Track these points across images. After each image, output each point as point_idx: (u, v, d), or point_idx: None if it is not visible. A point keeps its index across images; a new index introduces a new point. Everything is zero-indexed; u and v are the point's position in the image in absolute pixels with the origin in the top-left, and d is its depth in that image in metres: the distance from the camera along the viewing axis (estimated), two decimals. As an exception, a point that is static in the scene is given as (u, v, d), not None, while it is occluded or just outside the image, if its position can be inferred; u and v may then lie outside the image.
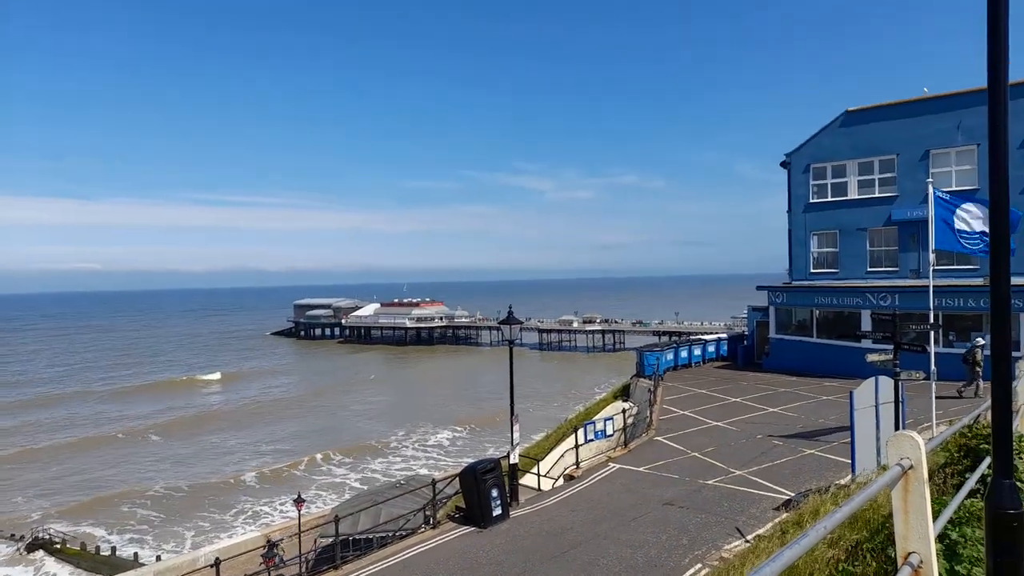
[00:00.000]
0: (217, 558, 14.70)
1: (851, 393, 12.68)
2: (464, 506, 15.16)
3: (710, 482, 15.97)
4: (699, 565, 11.29)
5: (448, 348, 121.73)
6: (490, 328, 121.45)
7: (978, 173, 27.67)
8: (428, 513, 16.58)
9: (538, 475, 20.27)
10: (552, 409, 57.94)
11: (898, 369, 12.96)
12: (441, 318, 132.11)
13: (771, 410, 23.82)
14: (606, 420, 23.57)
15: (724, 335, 41.22)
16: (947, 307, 26.99)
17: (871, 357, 13.72)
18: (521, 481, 17.80)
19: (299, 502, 26.33)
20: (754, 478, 16.03)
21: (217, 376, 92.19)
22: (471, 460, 23.13)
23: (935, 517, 3.71)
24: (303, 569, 20.64)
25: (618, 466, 18.11)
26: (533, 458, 23.27)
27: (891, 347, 13.24)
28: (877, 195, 30.73)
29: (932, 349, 14.50)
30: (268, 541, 23.60)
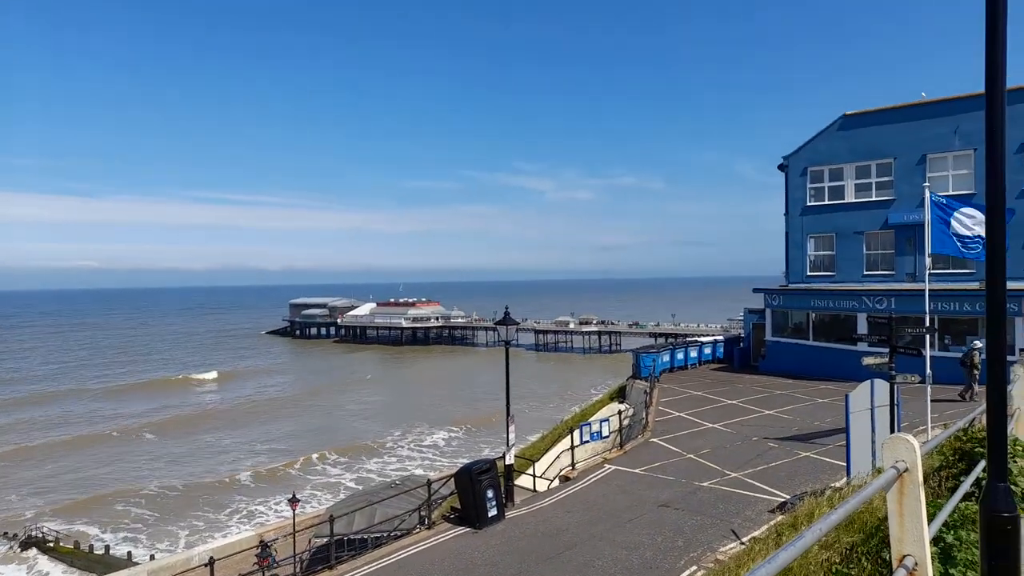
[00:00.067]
0: (211, 557, 14.67)
1: (847, 396, 12.72)
2: (459, 507, 15.16)
3: (706, 484, 15.98)
4: (694, 567, 11.30)
5: (444, 348, 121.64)
6: (486, 329, 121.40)
7: (975, 177, 27.76)
8: (423, 513, 16.56)
9: (534, 476, 20.27)
10: (548, 410, 57.94)
11: (894, 372, 12.99)
12: (437, 318, 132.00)
13: (767, 412, 23.85)
14: (602, 422, 23.56)
15: (720, 337, 41.26)
16: (943, 311, 27.07)
17: (867, 360, 13.75)
18: (516, 482, 17.81)
19: (294, 502, 26.25)
20: (750, 480, 16.05)
21: (213, 375, 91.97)
22: (466, 461, 23.14)
23: (930, 520, 3.72)
24: (298, 569, 20.59)
25: (614, 468, 18.12)
26: (529, 459, 23.27)
27: (887, 350, 13.27)
28: (874, 199, 30.82)
29: (928, 353, 14.54)
30: (261, 541, 23.52)
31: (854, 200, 31.44)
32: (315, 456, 49.46)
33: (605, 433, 22.88)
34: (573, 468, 19.15)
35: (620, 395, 31.57)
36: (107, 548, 33.83)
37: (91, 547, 34.22)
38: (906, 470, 3.40)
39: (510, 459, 16.82)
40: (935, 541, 4.14)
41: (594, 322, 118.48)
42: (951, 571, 4.05)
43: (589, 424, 23.12)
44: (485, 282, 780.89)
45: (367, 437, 55.34)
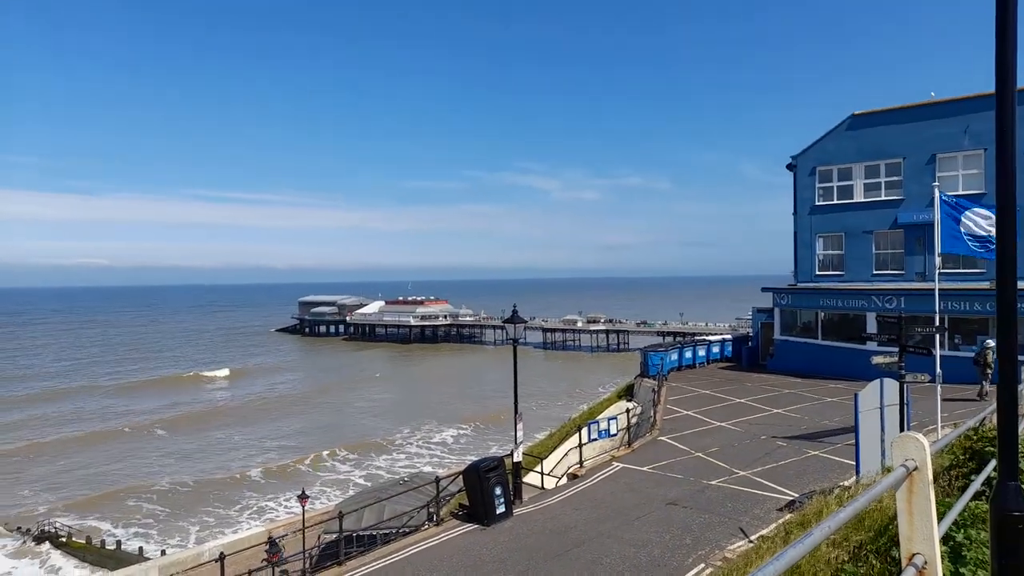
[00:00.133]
0: (222, 553, 14.80)
1: (856, 395, 12.68)
2: (467, 504, 15.21)
3: (714, 482, 15.98)
4: (702, 565, 11.31)
5: (452, 346, 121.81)
6: (494, 327, 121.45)
7: (985, 177, 27.58)
8: (432, 510, 16.63)
9: (541, 473, 20.33)
10: (556, 408, 57.95)
11: (903, 372, 12.95)
12: (445, 316, 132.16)
13: (775, 411, 23.80)
14: (610, 419, 23.60)
15: (729, 336, 41.16)
16: (952, 310, 26.93)
17: (876, 359, 13.71)
18: (524, 479, 17.86)
19: (303, 498, 26.36)
20: (758, 479, 16.04)
21: (224, 373, 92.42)
22: (475, 458, 23.18)
23: (940, 519, 3.73)
24: (307, 565, 20.72)
25: (622, 465, 18.13)
26: (537, 456, 23.33)
27: (896, 350, 13.23)
28: (883, 198, 30.66)
29: (937, 352, 14.48)
30: (270, 538, 23.65)
31: (863, 200, 31.29)
32: (325, 453, 49.67)
33: (613, 431, 22.91)
34: (581, 466, 19.18)
35: (628, 393, 31.57)
36: (119, 543, 34.10)
37: (103, 542, 34.51)
38: (916, 468, 3.42)
39: (518, 456, 16.87)
40: (945, 540, 4.15)
41: (602, 321, 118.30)
42: (961, 570, 4.06)
43: (597, 422, 23.16)
44: (491, 280, 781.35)
45: (376, 434, 55.52)
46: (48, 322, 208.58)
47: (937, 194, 15.22)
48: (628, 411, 25.09)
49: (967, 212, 15.00)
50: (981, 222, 14.75)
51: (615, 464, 18.33)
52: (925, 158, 29.28)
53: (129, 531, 36.76)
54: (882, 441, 12.41)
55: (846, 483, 12.97)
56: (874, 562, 4.65)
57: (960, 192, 26.78)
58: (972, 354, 25.77)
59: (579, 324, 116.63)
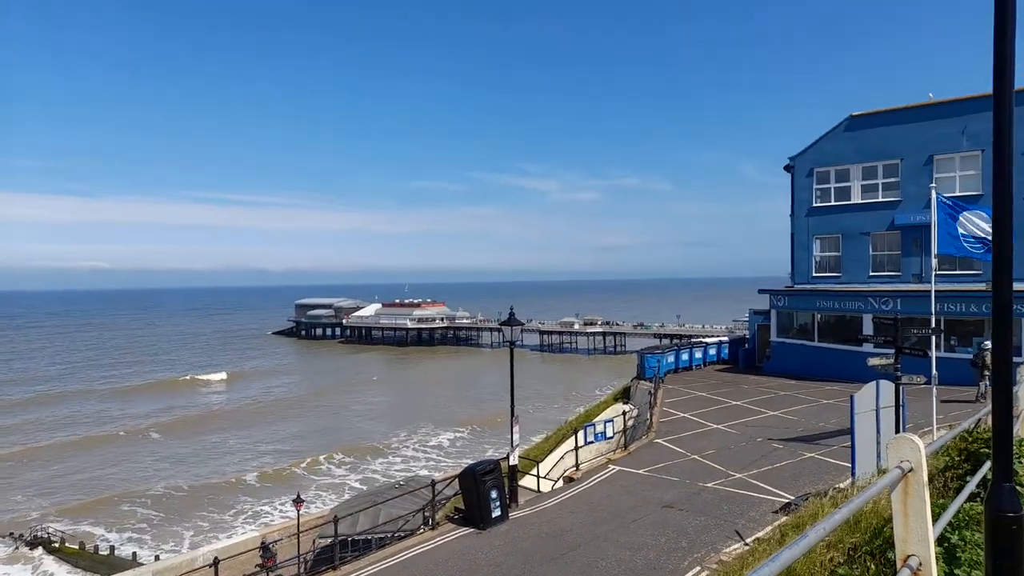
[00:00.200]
0: (216, 558, 14.70)
1: (852, 397, 12.67)
2: (463, 507, 15.16)
3: (710, 485, 15.96)
4: (698, 568, 11.28)
5: (449, 349, 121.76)
6: (491, 329, 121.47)
7: (982, 178, 27.66)
8: (427, 514, 16.57)
9: (538, 477, 20.25)
10: (552, 411, 57.92)
11: (899, 373, 12.95)
12: (442, 319, 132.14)
13: (771, 413, 23.80)
14: (606, 422, 23.55)
15: (725, 338, 41.20)
16: (949, 312, 26.97)
17: (872, 361, 13.71)
18: (521, 483, 17.79)
19: (298, 502, 26.29)
20: (754, 481, 16.02)
21: (220, 376, 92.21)
22: (471, 461, 23.13)
23: (935, 520, 3.71)
24: (302, 569, 20.62)
25: (618, 468, 18.10)
26: (533, 460, 23.25)
27: (892, 351, 13.23)
28: (880, 199, 30.72)
29: (933, 354, 14.49)
30: (263, 543, 23.54)
31: (860, 201, 31.35)
32: (321, 457, 49.57)
33: (609, 434, 22.87)
34: (577, 469, 19.13)
35: (625, 396, 31.53)
36: (112, 548, 33.96)
37: (96, 548, 34.36)
38: (911, 470, 3.40)
39: (514, 460, 16.82)
40: (940, 541, 4.13)
41: (599, 323, 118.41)
42: (955, 571, 4.04)
43: (593, 425, 23.11)
44: (488, 283, 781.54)
45: (372, 438, 55.43)
46: (43, 326, 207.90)
47: (934, 195, 15.26)
48: (624, 414, 25.05)
49: (964, 213, 15.03)
50: (978, 224, 14.78)
51: (611, 467, 18.30)
52: (923, 159, 29.36)
53: (123, 536, 36.62)
54: (878, 443, 12.40)
55: (842, 485, 12.95)
56: (869, 564, 4.63)
57: (958, 193, 26.84)
58: (968, 356, 25.83)
59: (576, 326, 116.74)
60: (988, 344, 23.61)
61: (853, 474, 12.29)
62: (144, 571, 21.34)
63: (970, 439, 6.41)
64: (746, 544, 11.84)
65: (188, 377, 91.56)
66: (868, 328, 28.58)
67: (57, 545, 34.86)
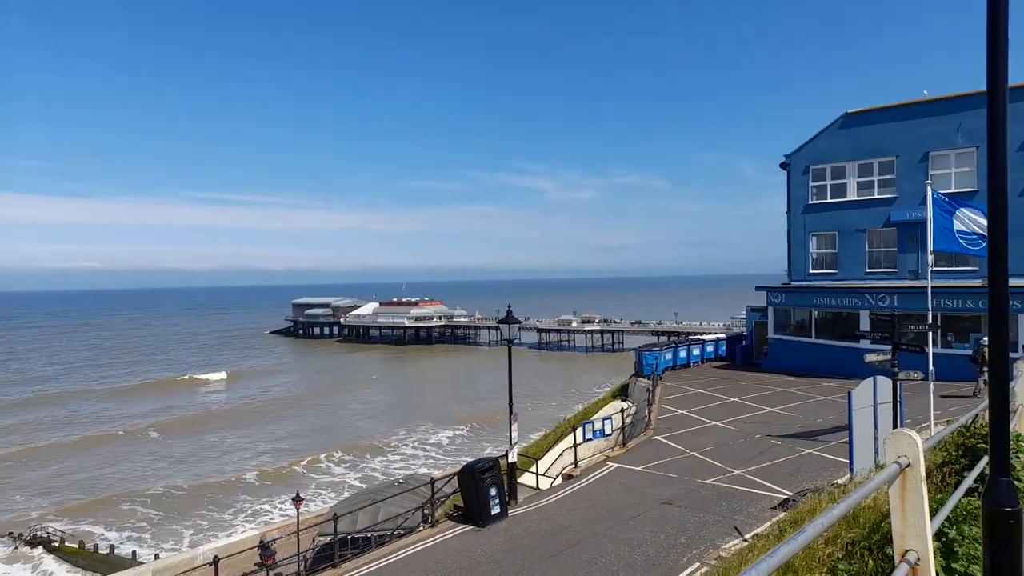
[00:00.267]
0: (216, 556, 14.72)
1: (849, 393, 12.71)
2: (462, 505, 15.19)
3: (708, 481, 16.00)
4: (697, 564, 11.32)
5: (447, 348, 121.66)
6: (489, 328, 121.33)
7: (977, 175, 27.73)
8: (427, 512, 16.60)
9: (536, 474, 20.30)
10: (551, 408, 57.96)
11: (896, 369, 13.00)
12: (440, 317, 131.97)
13: (769, 410, 23.85)
14: (604, 419, 23.59)
15: (723, 335, 41.27)
16: (945, 308, 27.05)
17: (869, 357, 13.76)
18: (519, 480, 17.83)
19: (297, 501, 26.29)
20: (752, 477, 16.07)
21: (218, 375, 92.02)
22: (470, 459, 23.16)
23: (932, 515, 3.74)
24: (301, 568, 20.64)
25: (616, 465, 18.14)
26: (532, 457, 23.32)
27: (889, 347, 13.27)
28: (876, 196, 30.79)
29: (930, 350, 14.54)
30: (261, 542, 23.53)
31: (856, 198, 31.41)
32: (320, 455, 49.55)
33: (608, 431, 22.91)
34: (576, 466, 19.17)
35: (623, 393, 31.59)
36: (112, 548, 33.92)
37: (96, 547, 34.32)
38: (908, 465, 3.42)
39: (513, 457, 16.85)
40: (938, 536, 4.16)
41: (597, 321, 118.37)
42: (953, 565, 4.07)
43: (592, 422, 23.15)
44: (487, 281, 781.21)
45: (371, 436, 55.40)
46: (40, 326, 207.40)
47: (930, 192, 15.29)
48: (623, 411, 25.11)
49: (960, 210, 15.08)
50: (974, 220, 14.83)
51: (610, 464, 18.34)
52: (918, 156, 29.42)
53: (123, 535, 36.57)
54: (875, 439, 12.44)
55: (840, 481, 13.00)
56: (868, 559, 4.66)
57: (953, 190, 26.91)
58: (965, 351, 25.93)
59: (574, 324, 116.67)
60: (987, 340, 23.69)
61: (851, 470, 12.33)
62: (144, 570, 21.34)
63: (967, 434, 6.44)
64: (745, 540, 11.89)
65: (186, 377, 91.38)
66: (865, 324, 28.67)
67: (57, 544, 34.82)
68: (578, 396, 61.34)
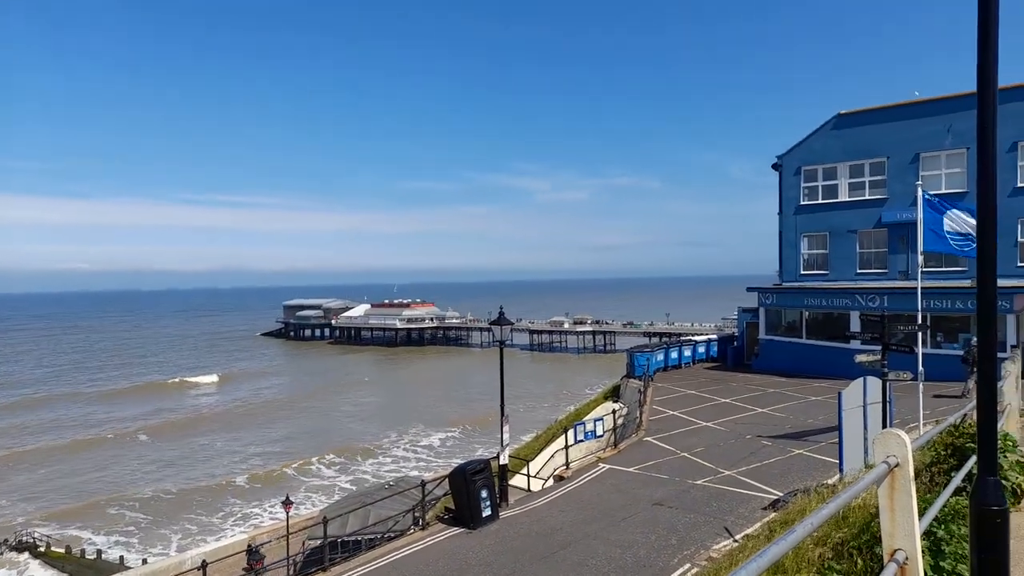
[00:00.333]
0: (204, 560, 14.63)
1: (839, 394, 12.74)
2: (453, 507, 15.14)
3: (699, 482, 16.01)
4: (688, 565, 11.32)
5: (439, 349, 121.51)
6: (481, 329, 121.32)
7: (967, 176, 27.93)
8: (417, 514, 16.54)
9: (528, 476, 20.29)
10: (542, 410, 57.94)
11: (886, 370, 13.05)
12: (432, 319, 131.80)
13: (760, 411, 23.91)
14: (596, 421, 23.61)
15: (714, 336, 41.36)
16: (935, 308, 27.21)
17: (860, 358, 13.81)
18: (511, 482, 17.81)
19: (287, 504, 26.17)
20: (743, 478, 16.09)
21: (209, 378, 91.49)
22: (461, 461, 23.12)
23: (921, 515, 3.73)
24: (291, 571, 20.54)
25: (608, 466, 18.13)
26: (523, 459, 23.29)
27: (879, 348, 13.33)
28: (867, 197, 30.95)
29: (920, 350, 14.61)
30: (249, 546, 23.40)
31: (848, 199, 31.57)
32: (311, 458, 49.34)
33: (599, 432, 22.92)
34: (567, 467, 19.15)
35: (614, 394, 31.61)
36: (99, 552, 33.64)
37: (83, 551, 34.03)
38: (897, 465, 3.42)
39: (504, 459, 16.82)
40: (926, 535, 4.16)
41: (589, 322, 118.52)
42: (941, 564, 4.07)
43: (583, 423, 23.16)
44: (483, 282, 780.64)
45: (362, 439, 55.23)
46: (29, 328, 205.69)
47: (920, 193, 15.37)
48: (614, 412, 25.12)
49: (950, 211, 15.16)
50: (963, 221, 14.91)
51: (601, 465, 18.33)
52: (909, 157, 29.60)
53: (110, 540, 36.30)
54: (865, 439, 12.48)
55: (830, 481, 13.02)
56: (857, 559, 4.66)
57: (943, 191, 27.09)
58: (954, 352, 26.10)
59: (566, 325, 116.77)
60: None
61: (841, 470, 12.36)
62: (131, 575, 21.18)
63: (956, 434, 6.46)
64: (735, 541, 11.89)
65: (176, 379, 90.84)
66: (855, 325, 28.80)
67: (43, 549, 34.50)
68: (570, 397, 61.35)
